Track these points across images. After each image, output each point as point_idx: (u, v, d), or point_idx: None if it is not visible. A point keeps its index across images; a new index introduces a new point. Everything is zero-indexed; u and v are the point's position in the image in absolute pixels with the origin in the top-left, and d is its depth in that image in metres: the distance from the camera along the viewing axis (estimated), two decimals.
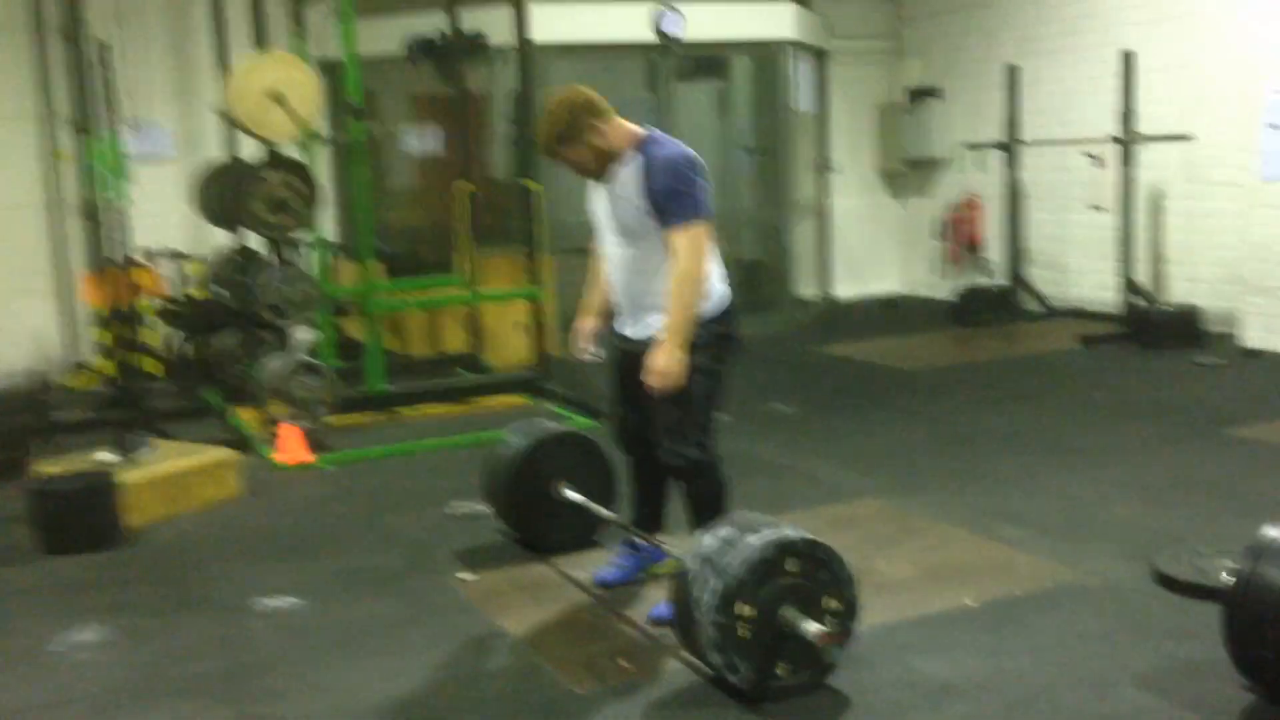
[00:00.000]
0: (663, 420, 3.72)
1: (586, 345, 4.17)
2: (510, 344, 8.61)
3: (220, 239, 8.21)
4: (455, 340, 8.76)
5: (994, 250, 10.40)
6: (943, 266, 11.02)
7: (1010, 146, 9.36)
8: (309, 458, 6.17)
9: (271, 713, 3.42)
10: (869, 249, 11.55)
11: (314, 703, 3.47)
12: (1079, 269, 9.63)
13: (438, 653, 3.79)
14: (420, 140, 9.55)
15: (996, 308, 9.62)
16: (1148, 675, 3.29)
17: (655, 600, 4.00)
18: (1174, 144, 8.38)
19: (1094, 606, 3.80)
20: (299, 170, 6.49)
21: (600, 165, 3.76)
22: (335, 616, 4.14)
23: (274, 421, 6.51)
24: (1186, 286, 8.69)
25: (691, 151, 3.74)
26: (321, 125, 8.13)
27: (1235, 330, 7.98)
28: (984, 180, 10.35)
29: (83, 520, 4.98)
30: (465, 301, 7.97)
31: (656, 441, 3.78)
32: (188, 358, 8.31)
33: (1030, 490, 5.11)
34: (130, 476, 5.28)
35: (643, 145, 3.73)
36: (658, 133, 3.81)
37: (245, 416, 6.91)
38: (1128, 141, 8.30)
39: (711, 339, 3.77)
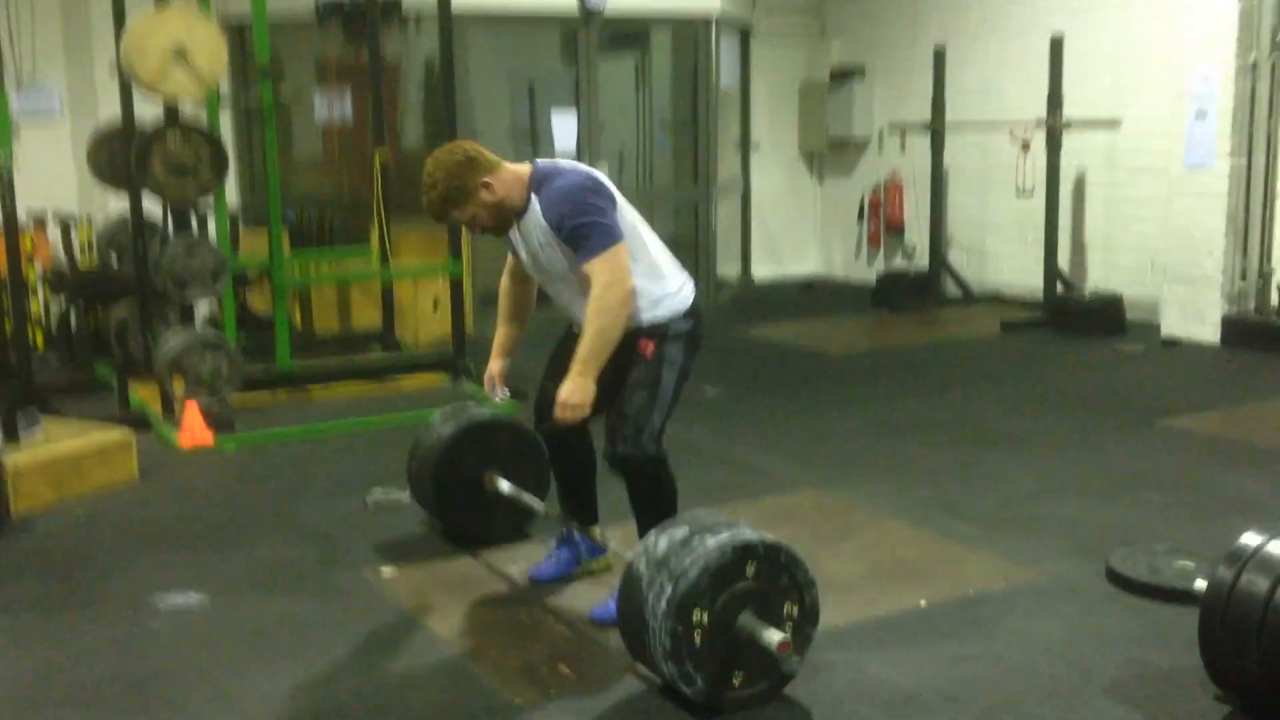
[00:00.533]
0: (631, 409, 3.47)
1: (500, 389, 3.95)
2: (425, 321, 8.27)
3: (112, 203, 7.73)
4: (365, 316, 8.39)
5: (914, 233, 10.34)
6: (862, 249, 10.95)
7: (935, 129, 9.27)
8: (211, 439, 5.79)
9: None
10: (787, 230, 11.41)
11: (221, 715, 3.16)
12: (999, 254, 9.61)
13: (359, 657, 3.51)
14: (328, 107, 9.11)
15: (917, 292, 9.56)
16: (1115, 684, 3.16)
17: (595, 599, 3.77)
18: (1097, 130, 8.36)
19: (1051, 609, 3.67)
20: (202, 133, 6.07)
21: (499, 220, 3.52)
22: (244, 616, 3.82)
23: (174, 400, 6.11)
24: (1105, 273, 8.71)
25: (588, 172, 3.50)
26: (225, 87, 7.70)
27: (1154, 318, 8.01)
28: (905, 162, 10.26)
29: None
30: (380, 276, 7.60)
31: (614, 429, 3.52)
32: (75, 329, 7.81)
33: (970, 482, 4.99)
34: (16, 458, 4.87)
35: (537, 185, 3.46)
36: (546, 164, 3.55)
37: (141, 394, 6.49)
38: (1054, 126, 8.25)
39: (684, 334, 3.57)
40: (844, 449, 5.60)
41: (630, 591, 3.09)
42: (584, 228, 3.34)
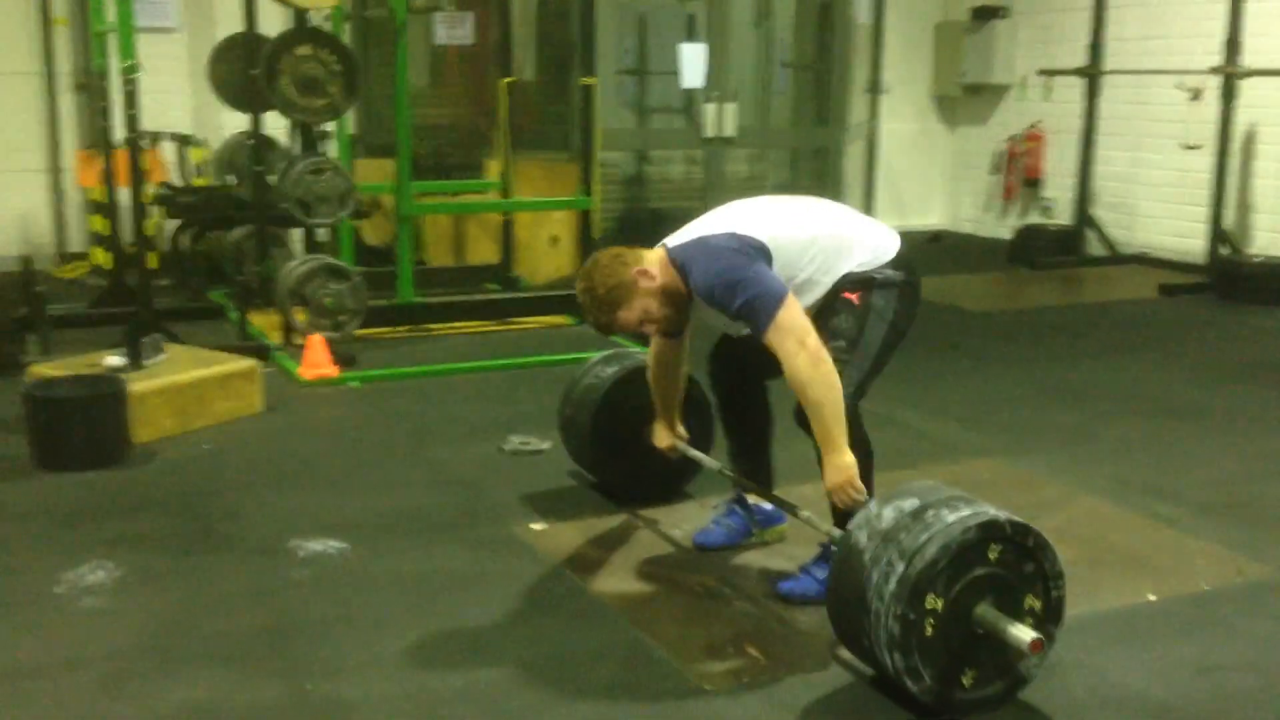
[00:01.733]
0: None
1: (674, 445, 3.66)
2: (543, 259, 7.91)
3: (228, 123, 7.44)
4: (480, 251, 8.05)
5: (1053, 187, 9.73)
6: (996, 202, 10.35)
7: (1092, 74, 8.63)
8: (335, 373, 5.50)
9: (331, 693, 2.79)
10: (914, 178, 10.84)
11: (381, 682, 2.84)
12: (1149, 212, 8.96)
13: (521, 623, 3.17)
14: (450, 29, 8.69)
15: (1059, 249, 8.98)
16: None
17: (773, 571, 3.41)
18: (1275, 83, 7.68)
19: None
20: (333, 45, 5.71)
21: (674, 305, 3.19)
22: (389, 568, 3.51)
23: (295, 329, 5.83)
24: (1273, 238, 8.06)
25: (721, 236, 3.11)
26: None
27: None
28: (1048, 111, 9.64)
29: (86, 432, 4.32)
30: (505, 208, 7.24)
31: None
32: (189, 252, 7.57)
33: (1165, 459, 4.51)
34: (139, 384, 4.61)
35: (682, 269, 3.15)
36: (678, 244, 3.20)
37: (260, 322, 6.21)
38: (1232, 75, 7.59)
39: (895, 284, 3.20)
40: (1013, 415, 5.14)
41: (848, 567, 2.69)
42: (744, 307, 3.01)
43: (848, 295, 3.18)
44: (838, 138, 9.44)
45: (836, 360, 3.07)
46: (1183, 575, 3.44)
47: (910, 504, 2.68)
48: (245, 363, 5.06)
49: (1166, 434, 4.84)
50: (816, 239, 3.20)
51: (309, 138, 5.90)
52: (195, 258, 7.43)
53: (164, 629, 3.11)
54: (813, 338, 2.97)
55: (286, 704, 2.74)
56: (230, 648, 3.00)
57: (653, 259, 3.19)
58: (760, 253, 3.08)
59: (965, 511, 2.62)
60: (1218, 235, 7.88)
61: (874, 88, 10.29)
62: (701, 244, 3.14)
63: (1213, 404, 5.30)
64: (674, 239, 3.24)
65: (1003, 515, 2.63)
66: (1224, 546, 3.65)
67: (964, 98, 10.53)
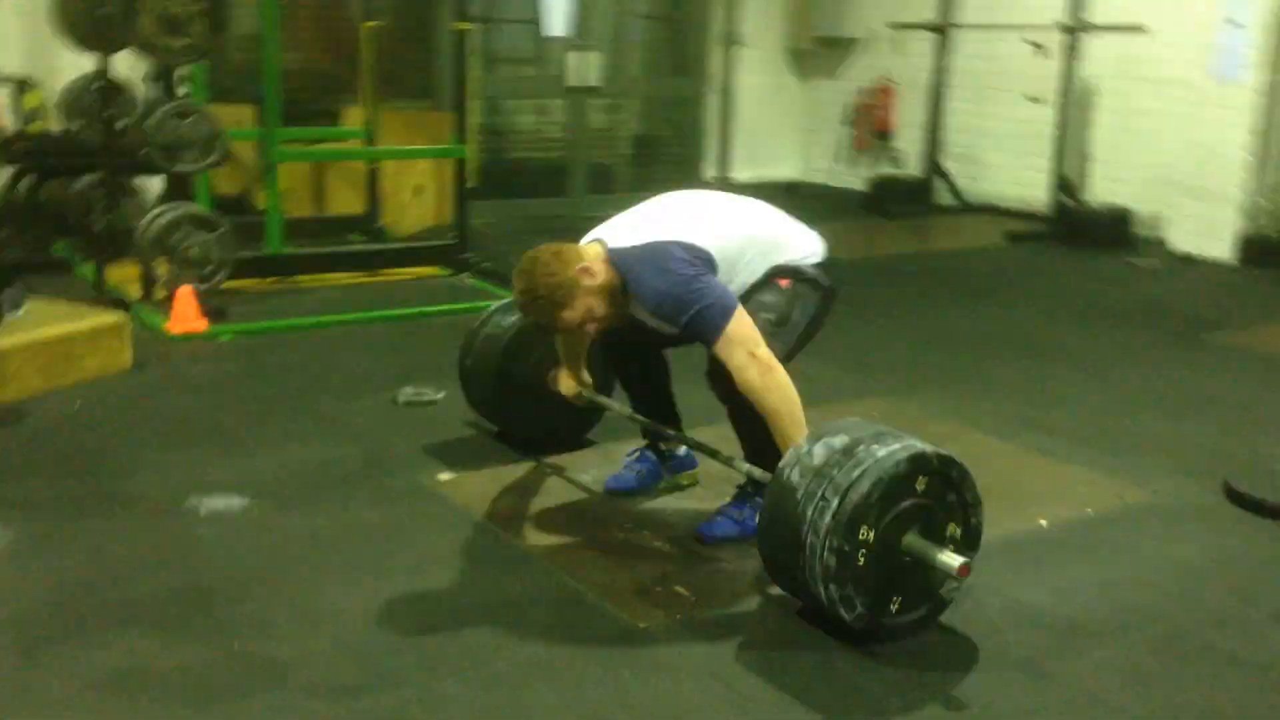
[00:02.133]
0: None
1: (579, 393, 3.69)
2: (407, 209, 7.75)
3: (66, 65, 7.01)
4: (341, 201, 7.83)
5: (903, 139, 10.04)
6: (847, 154, 10.61)
7: (944, 29, 8.91)
8: (205, 327, 5.30)
9: (264, 652, 2.72)
10: (767, 131, 10.98)
11: (312, 636, 2.79)
12: (995, 163, 9.34)
13: (447, 572, 3.15)
14: None
15: (910, 200, 9.28)
16: None
17: (688, 513, 3.47)
18: (1111, 38, 8.08)
19: (1181, 531, 3.46)
20: None
21: (615, 304, 3.15)
22: (299, 522, 3.43)
23: (156, 282, 5.58)
24: (1109, 186, 8.51)
25: (668, 248, 3.06)
26: None
27: (1156, 233, 7.88)
28: (899, 65, 9.91)
29: None
30: (378, 156, 7.06)
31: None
32: (28, 202, 7.13)
33: (1041, 397, 4.76)
34: (2, 340, 4.36)
35: (624, 271, 3.10)
36: (621, 246, 3.13)
37: (113, 275, 5.92)
38: (1076, 30, 7.95)
39: (819, 282, 3.27)
40: (893, 358, 5.34)
41: (782, 505, 2.76)
42: (694, 319, 2.99)
43: (777, 280, 3.23)
44: (697, 89, 9.50)
45: (763, 333, 3.12)
46: (1069, 502, 3.65)
47: (840, 440, 2.77)
48: (114, 316, 4.83)
49: (1032, 372, 5.11)
50: (754, 240, 3.24)
51: (169, 80, 5.62)
52: (37, 208, 7.00)
53: (72, 594, 2.97)
54: (763, 348, 2.98)
55: (218, 665, 2.67)
56: (146, 610, 2.89)
57: (591, 255, 3.13)
58: (708, 263, 3.07)
59: (894, 445, 2.72)
60: (1059, 185, 8.27)
61: (730, 40, 10.39)
62: (649, 253, 3.07)
63: (1069, 343, 5.61)
64: (611, 235, 3.17)
65: (929, 449, 2.75)
66: (1104, 475, 3.89)
67: (817, 50, 10.71)
